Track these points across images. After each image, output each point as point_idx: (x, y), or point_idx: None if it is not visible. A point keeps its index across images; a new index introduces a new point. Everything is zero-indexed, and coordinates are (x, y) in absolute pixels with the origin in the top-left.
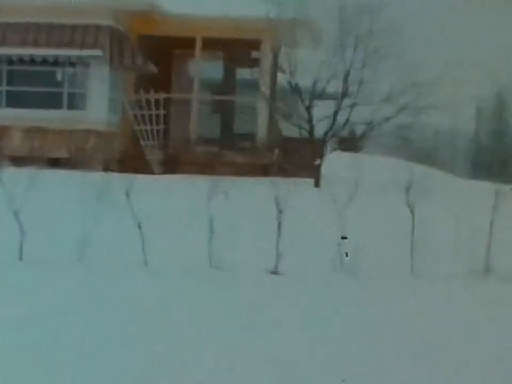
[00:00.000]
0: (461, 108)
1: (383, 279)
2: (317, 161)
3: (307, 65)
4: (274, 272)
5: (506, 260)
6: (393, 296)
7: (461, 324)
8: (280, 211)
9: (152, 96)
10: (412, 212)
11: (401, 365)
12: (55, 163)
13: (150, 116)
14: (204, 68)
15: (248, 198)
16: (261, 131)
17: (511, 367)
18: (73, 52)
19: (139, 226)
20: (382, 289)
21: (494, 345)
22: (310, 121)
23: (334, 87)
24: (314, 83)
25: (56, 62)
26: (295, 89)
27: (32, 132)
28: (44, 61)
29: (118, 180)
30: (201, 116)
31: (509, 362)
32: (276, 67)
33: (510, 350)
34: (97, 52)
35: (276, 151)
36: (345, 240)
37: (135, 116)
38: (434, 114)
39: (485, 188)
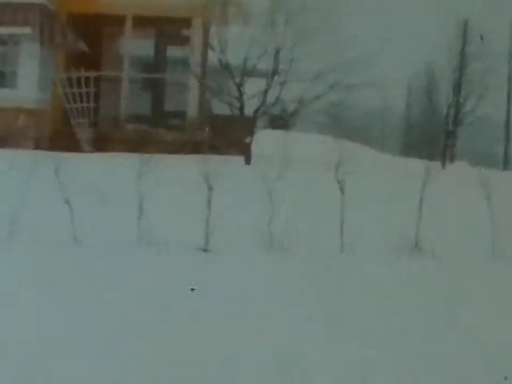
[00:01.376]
0: (392, 86)
1: (313, 256)
2: (248, 139)
3: (237, 43)
4: (204, 249)
5: (435, 237)
6: (323, 273)
7: (387, 301)
8: (210, 188)
9: (83, 74)
10: (341, 188)
11: (332, 337)
12: None
13: (81, 94)
14: (135, 46)
15: (178, 175)
16: (192, 109)
17: (437, 338)
18: (3, 30)
19: (68, 204)
20: (312, 266)
21: (421, 320)
22: (240, 98)
23: (265, 65)
24: (245, 61)
25: None
26: (226, 67)
27: None
28: None
29: (48, 158)
30: (132, 93)
31: (434, 334)
32: (206, 45)
33: (437, 322)
34: (27, 30)
35: (207, 128)
36: None
37: (65, 94)
38: (365, 92)
39: (415, 164)
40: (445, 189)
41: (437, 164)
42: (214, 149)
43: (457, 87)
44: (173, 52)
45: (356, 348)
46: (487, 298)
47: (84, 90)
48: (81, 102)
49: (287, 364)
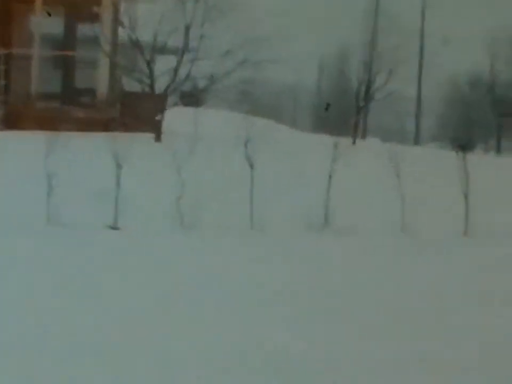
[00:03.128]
0: (304, 62)
1: (223, 233)
2: (158, 116)
3: (147, 19)
4: (114, 227)
5: (343, 213)
6: (231, 250)
7: (295, 276)
8: (119, 166)
9: None
10: (251, 165)
11: (233, 314)
12: None
13: None
14: (45, 23)
15: (88, 153)
16: (102, 86)
17: (338, 314)
18: None
19: None
20: (220, 243)
21: (326, 296)
22: (151, 76)
23: (175, 42)
24: (155, 38)
25: None
26: (136, 44)
27: None
28: None
29: None
30: (42, 71)
31: (339, 310)
32: (116, 22)
33: (344, 297)
34: None
35: (117, 106)
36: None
37: None
38: (277, 69)
39: (326, 141)
40: (355, 165)
41: (348, 140)
42: (124, 126)
43: (368, 63)
44: (83, 29)
45: (248, 326)
46: (395, 272)
47: None
48: None
49: (191, 343)
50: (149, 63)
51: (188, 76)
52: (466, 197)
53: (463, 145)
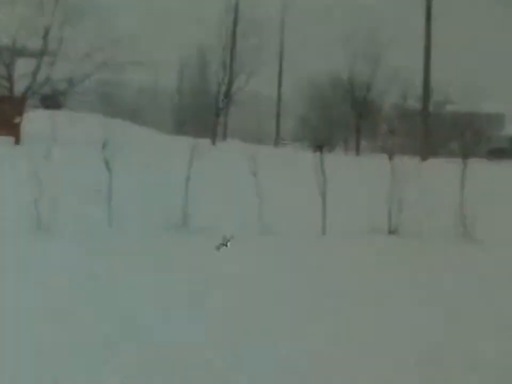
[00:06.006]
0: (164, 65)
1: (79, 235)
2: (17, 119)
3: (6, 22)
4: None
5: (201, 214)
6: (90, 249)
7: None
8: None
9: None
10: (108, 168)
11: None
12: None
13: None
14: None
15: None
16: None
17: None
18: None
19: None
20: (78, 244)
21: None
22: (10, 78)
23: (35, 44)
24: (14, 40)
25: None
26: None
27: None
28: None
29: None
30: None
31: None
32: None
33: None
34: None
35: None
36: None
37: None
38: (137, 71)
39: (185, 142)
40: (213, 166)
41: (207, 141)
42: None
43: (228, 64)
44: None
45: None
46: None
47: None
48: None
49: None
50: (8, 66)
51: (47, 79)
52: (323, 196)
53: (321, 146)
